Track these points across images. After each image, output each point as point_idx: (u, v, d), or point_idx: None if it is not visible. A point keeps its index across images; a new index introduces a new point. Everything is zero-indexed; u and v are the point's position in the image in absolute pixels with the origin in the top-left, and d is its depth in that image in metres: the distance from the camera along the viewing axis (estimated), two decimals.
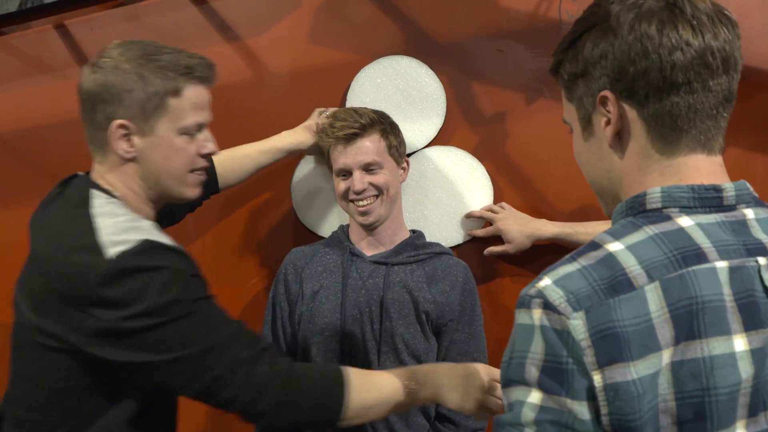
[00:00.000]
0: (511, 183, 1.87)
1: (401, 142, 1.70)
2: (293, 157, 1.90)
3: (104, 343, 1.12)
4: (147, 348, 1.12)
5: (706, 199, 0.81)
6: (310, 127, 1.85)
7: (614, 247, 0.79)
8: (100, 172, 1.26)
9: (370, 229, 1.67)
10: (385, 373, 1.30)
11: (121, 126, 1.20)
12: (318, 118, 1.87)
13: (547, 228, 1.77)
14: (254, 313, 1.97)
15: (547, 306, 0.76)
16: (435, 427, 1.64)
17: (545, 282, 0.78)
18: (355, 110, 1.66)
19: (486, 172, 1.86)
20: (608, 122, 0.85)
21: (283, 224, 1.99)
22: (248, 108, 1.97)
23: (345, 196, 1.65)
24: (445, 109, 1.86)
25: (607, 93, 0.84)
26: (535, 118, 1.85)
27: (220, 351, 1.15)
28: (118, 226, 1.16)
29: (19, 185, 2.13)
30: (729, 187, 0.82)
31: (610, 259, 0.78)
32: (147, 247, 1.13)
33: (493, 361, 1.72)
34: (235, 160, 1.78)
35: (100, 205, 1.19)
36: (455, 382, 1.31)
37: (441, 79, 1.87)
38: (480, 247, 1.85)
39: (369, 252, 1.69)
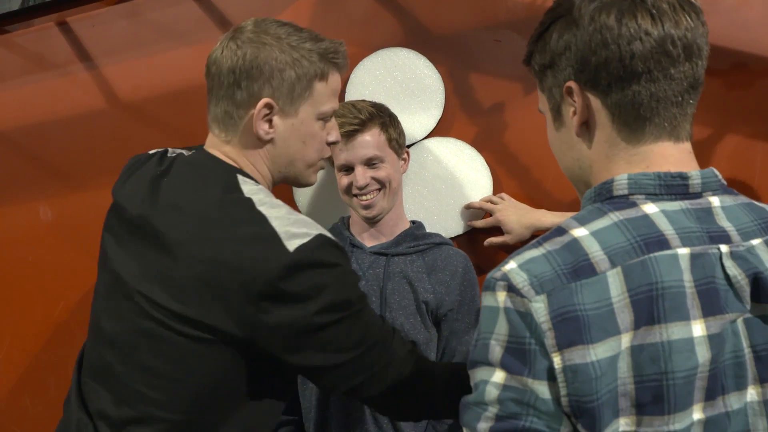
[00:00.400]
0: (510, 173, 1.87)
1: (401, 134, 1.71)
2: None
3: (279, 337, 1.06)
4: (322, 346, 1.08)
5: (672, 186, 0.82)
6: None
7: (579, 232, 0.80)
8: (225, 152, 1.20)
9: (373, 222, 1.68)
10: None
11: (267, 105, 1.16)
12: None
13: (547, 218, 1.77)
14: None
15: (511, 289, 0.78)
16: (431, 423, 1.65)
17: (510, 266, 0.80)
18: (353, 105, 1.67)
19: (485, 163, 1.86)
20: (575, 112, 0.87)
21: None
22: None
23: (348, 191, 1.66)
24: (443, 101, 1.87)
25: (571, 83, 0.86)
26: (533, 108, 1.84)
27: (378, 350, 1.12)
28: (286, 217, 1.10)
29: (22, 181, 2.15)
30: (695, 175, 0.83)
31: (575, 244, 0.79)
32: (323, 242, 1.08)
33: None
34: None
35: (252, 192, 1.12)
36: None
37: (439, 71, 1.88)
38: (479, 238, 1.85)
39: (369, 243, 1.70)
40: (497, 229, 1.82)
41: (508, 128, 1.87)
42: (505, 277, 0.78)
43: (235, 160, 1.19)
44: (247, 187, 1.13)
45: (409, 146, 1.84)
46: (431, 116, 1.87)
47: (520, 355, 0.76)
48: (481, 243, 1.85)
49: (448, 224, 1.87)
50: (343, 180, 1.66)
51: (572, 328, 0.75)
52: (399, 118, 1.74)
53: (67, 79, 2.12)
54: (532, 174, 1.86)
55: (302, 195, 1.95)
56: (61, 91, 2.12)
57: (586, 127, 0.87)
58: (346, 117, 1.63)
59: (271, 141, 1.19)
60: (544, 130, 1.83)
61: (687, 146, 0.86)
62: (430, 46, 1.89)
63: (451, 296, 1.65)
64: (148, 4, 2.08)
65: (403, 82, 1.88)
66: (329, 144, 1.27)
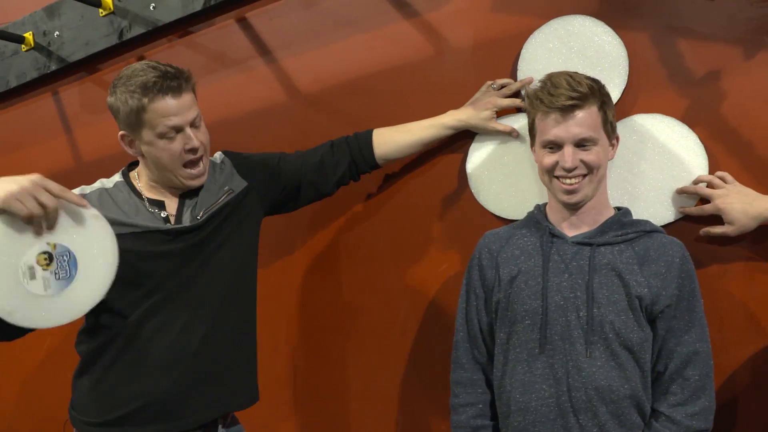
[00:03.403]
0: (730, 152, 1.63)
1: (614, 115, 1.52)
2: (468, 138, 1.85)
3: None
4: None
5: None
6: (476, 103, 1.78)
7: None
8: None
9: (573, 208, 1.52)
10: None
11: (121, 136, 1.61)
12: (487, 91, 1.80)
13: None
14: (447, 301, 1.88)
15: None
16: (650, 426, 1.47)
17: None
18: (571, 76, 1.48)
19: (699, 141, 1.64)
20: None
21: (463, 207, 1.89)
22: (430, 84, 1.90)
23: (550, 171, 1.50)
24: (627, 71, 1.68)
25: None
26: (755, 74, 1.61)
27: None
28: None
29: None
30: None
31: None
32: None
33: (716, 354, 1.51)
34: (394, 134, 1.83)
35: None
36: None
37: (625, 38, 1.69)
38: (694, 227, 1.64)
39: (570, 233, 1.54)
40: (715, 217, 1.60)
41: (725, 99, 1.63)
42: None
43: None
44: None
45: None
46: (615, 86, 1.69)
47: None
48: (696, 233, 1.63)
49: (657, 211, 1.66)
50: (548, 158, 1.50)
51: None
52: None
53: (247, 74, 2.14)
54: (757, 151, 1.61)
55: (478, 183, 1.84)
56: (242, 87, 2.14)
57: None
58: (563, 88, 1.45)
59: (143, 157, 1.62)
60: None
61: None
62: (624, 9, 1.70)
63: (668, 290, 1.45)
64: None
65: (581, 52, 1.72)
66: (188, 150, 1.57)
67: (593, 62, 1.71)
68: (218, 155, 1.78)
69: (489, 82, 1.79)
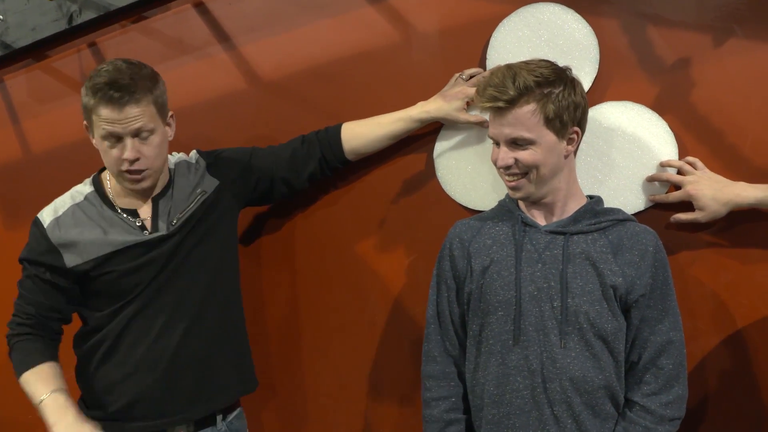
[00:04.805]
0: (700, 139, 1.63)
1: (569, 107, 1.44)
2: (436, 129, 1.82)
3: None
4: None
5: None
6: (445, 94, 1.74)
7: None
8: None
9: (533, 200, 1.50)
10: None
11: (85, 126, 1.61)
12: (455, 83, 1.76)
13: (748, 193, 1.53)
14: (416, 293, 1.85)
15: None
16: (624, 415, 1.46)
17: None
18: (515, 72, 1.42)
19: (669, 128, 1.63)
20: None
21: (431, 198, 1.85)
22: (396, 71, 1.85)
23: (495, 165, 1.49)
24: (598, 59, 1.66)
25: None
26: (724, 61, 1.60)
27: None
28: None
29: None
30: None
31: None
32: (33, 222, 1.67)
33: (687, 341, 1.51)
34: (363, 128, 1.80)
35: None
36: None
37: (595, 25, 1.67)
38: (665, 214, 1.63)
39: (543, 221, 1.51)
40: (686, 204, 1.59)
41: (694, 87, 1.63)
42: None
43: None
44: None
45: None
46: (586, 75, 1.67)
47: None
48: (666, 221, 1.62)
49: (627, 199, 1.65)
50: (493, 153, 1.49)
51: None
52: None
53: (206, 61, 2.06)
54: (727, 139, 1.61)
55: (446, 174, 1.82)
56: (201, 75, 2.06)
57: None
58: (492, 87, 1.42)
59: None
60: (738, 86, 1.60)
61: None
62: None
63: (642, 279, 1.44)
64: None
65: (551, 41, 1.69)
66: (125, 160, 1.56)
67: (563, 51, 1.68)
68: (193, 155, 1.79)
69: (457, 74, 1.75)
